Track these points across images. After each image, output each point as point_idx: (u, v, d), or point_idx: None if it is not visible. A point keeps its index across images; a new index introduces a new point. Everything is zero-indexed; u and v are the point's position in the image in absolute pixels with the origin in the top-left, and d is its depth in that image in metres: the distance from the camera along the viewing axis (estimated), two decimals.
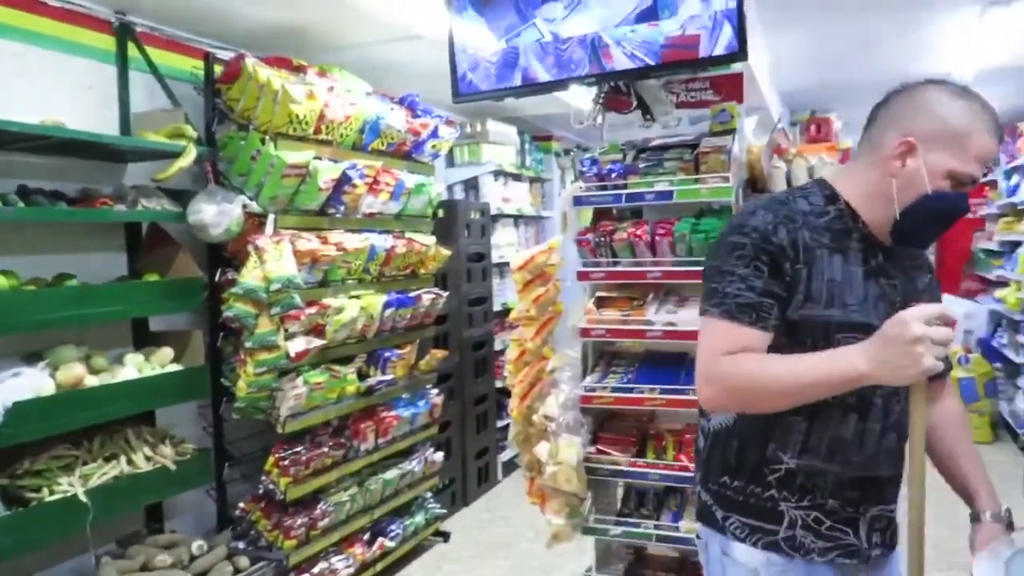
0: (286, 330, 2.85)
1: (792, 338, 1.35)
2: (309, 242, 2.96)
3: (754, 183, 2.44)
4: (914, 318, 1.16)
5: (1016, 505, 1.52)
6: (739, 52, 2.12)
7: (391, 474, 3.51)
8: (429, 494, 3.94)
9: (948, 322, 1.17)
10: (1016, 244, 5.81)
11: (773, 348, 1.34)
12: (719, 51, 2.14)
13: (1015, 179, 6.35)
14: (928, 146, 1.33)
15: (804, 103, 6.13)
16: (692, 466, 2.24)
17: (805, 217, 1.39)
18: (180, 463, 2.60)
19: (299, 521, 2.96)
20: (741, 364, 1.32)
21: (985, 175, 1.52)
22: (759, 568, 1.42)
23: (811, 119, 5.89)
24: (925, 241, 1.45)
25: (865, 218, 1.41)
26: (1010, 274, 5.82)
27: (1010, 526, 1.43)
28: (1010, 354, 5.70)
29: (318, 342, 2.96)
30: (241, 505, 3.01)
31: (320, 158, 3.02)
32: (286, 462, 2.90)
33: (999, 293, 6.07)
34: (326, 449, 3.10)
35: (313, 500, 3.07)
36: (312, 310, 2.95)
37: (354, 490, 3.28)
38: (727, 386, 1.34)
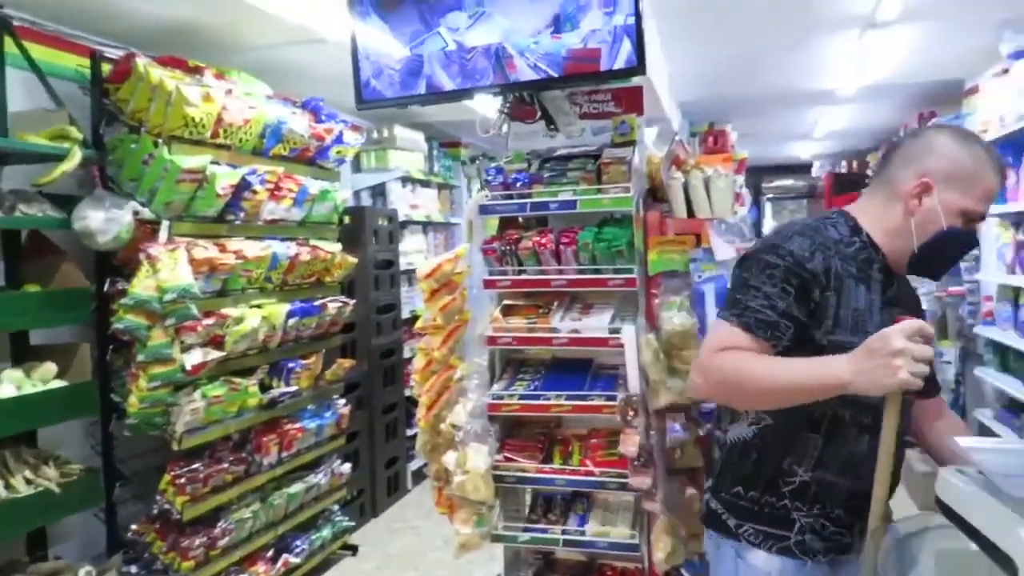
0: (182, 342, 2.73)
1: None
2: (206, 250, 2.86)
3: (655, 192, 2.51)
4: (896, 332, 1.23)
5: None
6: (638, 67, 2.18)
7: (296, 488, 3.42)
8: (336, 507, 3.86)
9: (928, 339, 1.24)
10: None
11: None
12: (619, 65, 2.19)
13: None
14: (943, 186, 1.44)
15: (703, 114, 6.38)
16: (596, 471, 2.29)
17: (837, 246, 1.48)
18: (65, 485, 2.45)
19: (197, 541, 2.83)
20: (732, 359, 1.40)
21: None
22: (773, 573, 1.51)
23: (709, 131, 6.13)
24: (939, 273, 1.58)
25: (885, 250, 1.51)
26: None
27: None
28: None
29: (216, 354, 2.86)
30: (134, 527, 2.86)
31: (218, 163, 2.92)
32: (183, 480, 2.78)
33: None
34: (226, 465, 2.99)
35: (213, 518, 2.96)
36: (210, 321, 2.84)
37: (256, 506, 3.17)
38: (716, 378, 1.43)
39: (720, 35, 4.30)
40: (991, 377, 4.50)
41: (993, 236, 4.53)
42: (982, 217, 1.48)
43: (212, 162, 2.86)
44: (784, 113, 6.88)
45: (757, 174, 10.13)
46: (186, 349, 2.75)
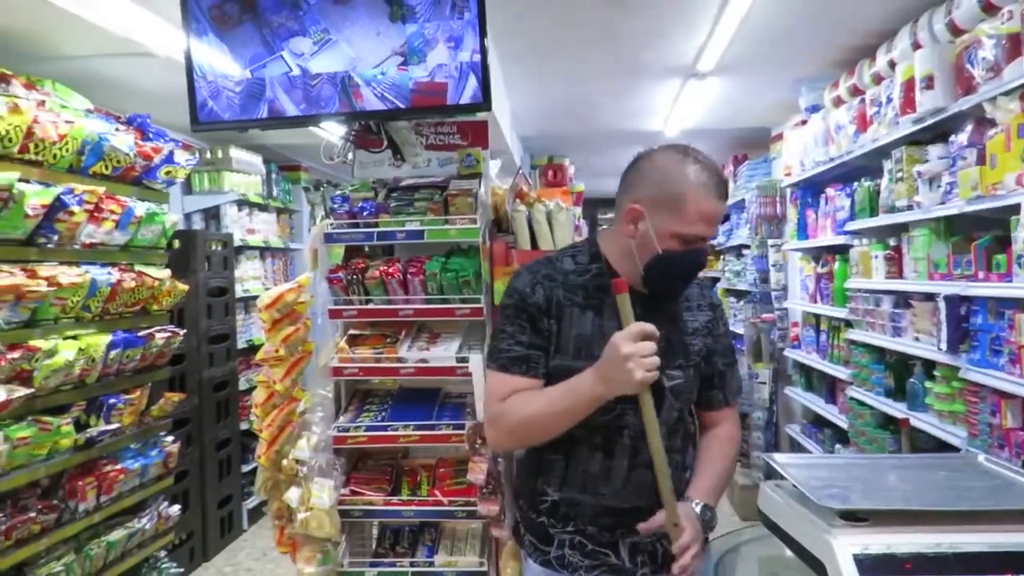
0: None
1: (548, 385, 1.51)
2: (12, 276, 2.58)
3: (499, 224, 2.58)
4: (622, 339, 1.34)
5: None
6: (483, 103, 2.24)
7: (117, 535, 3.13)
8: (163, 552, 3.57)
9: (650, 337, 1.35)
10: None
11: None
12: (465, 99, 2.24)
13: None
14: (652, 211, 1.47)
15: (542, 148, 6.64)
16: (445, 500, 2.30)
17: (566, 276, 1.56)
18: None
19: None
20: (510, 406, 1.49)
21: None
22: None
23: (549, 164, 6.37)
24: (673, 292, 1.59)
25: (621, 273, 1.54)
26: None
27: (707, 525, 1.50)
28: None
29: (23, 391, 2.57)
30: None
31: (27, 180, 2.66)
32: None
33: None
34: (33, 514, 2.68)
35: (17, 575, 2.64)
36: (16, 354, 2.56)
37: (70, 558, 2.87)
38: (503, 427, 1.52)
39: (559, 77, 4.51)
40: (798, 395, 4.98)
41: (797, 268, 5.05)
42: (703, 239, 1.49)
43: (20, 179, 2.59)
44: (617, 150, 7.29)
45: (593, 206, 10.64)
46: None
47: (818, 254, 4.75)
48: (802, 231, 4.79)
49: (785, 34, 3.73)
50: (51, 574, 2.75)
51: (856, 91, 3.88)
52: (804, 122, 4.70)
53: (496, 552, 2.29)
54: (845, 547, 1.04)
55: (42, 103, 2.79)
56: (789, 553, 1.16)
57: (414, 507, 2.30)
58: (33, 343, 2.66)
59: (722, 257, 6.83)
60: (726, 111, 5.43)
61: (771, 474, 1.39)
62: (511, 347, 1.52)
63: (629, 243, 1.51)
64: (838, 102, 4.11)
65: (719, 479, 1.58)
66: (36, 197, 2.65)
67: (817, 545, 1.09)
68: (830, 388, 4.56)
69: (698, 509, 1.48)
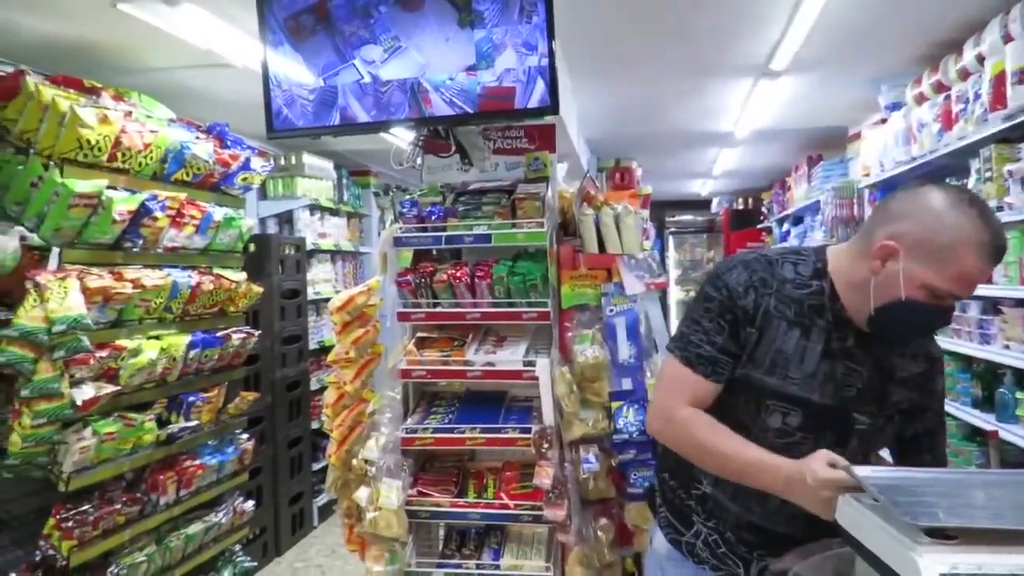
0: (72, 376, 2.57)
1: (728, 390, 1.47)
2: (100, 279, 2.70)
3: (566, 228, 2.57)
4: (819, 464, 1.24)
5: None
6: (551, 106, 2.24)
7: (194, 528, 3.25)
8: (238, 547, 3.68)
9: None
10: None
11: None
12: (533, 103, 2.24)
13: (786, 226, 7.20)
14: (910, 254, 1.31)
15: (609, 151, 6.58)
16: (511, 504, 2.30)
17: (782, 285, 1.44)
18: None
19: None
20: (695, 422, 1.44)
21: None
22: (663, 558, 1.63)
23: (616, 167, 6.31)
24: (900, 340, 1.47)
25: (844, 301, 1.43)
26: None
27: None
28: None
29: (110, 388, 2.69)
30: None
31: (115, 187, 2.79)
32: (70, 523, 2.59)
33: None
34: (118, 506, 2.81)
35: (102, 564, 2.76)
36: (104, 353, 2.68)
37: (151, 549, 2.99)
38: (676, 433, 1.48)
39: (626, 77, 4.47)
40: None
41: None
42: (955, 298, 1.34)
43: (108, 187, 2.72)
44: (686, 152, 7.18)
45: (660, 209, 10.51)
46: (76, 383, 2.58)
47: None
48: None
49: (864, 30, 3.60)
50: (134, 564, 2.87)
51: (941, 87, 3.72)
52: (884, 120, 4.53)
53: (562, 557, 2.28)
54: (932, 566, 0.99)
55: (129, 113, 2.92)
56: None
57: (480, 510, 2.31)
58: (119, 342, 2.78)
59: None
60: (800, 110, 5.27)
61: None
62: (702, 343, 1.45)
63: (868, 277, 1.38)
64: (921, 99, 3.95)
65: None
66: (123, 203, 2.77)
67: (901, 563, 1.03)
68: None
69: None
